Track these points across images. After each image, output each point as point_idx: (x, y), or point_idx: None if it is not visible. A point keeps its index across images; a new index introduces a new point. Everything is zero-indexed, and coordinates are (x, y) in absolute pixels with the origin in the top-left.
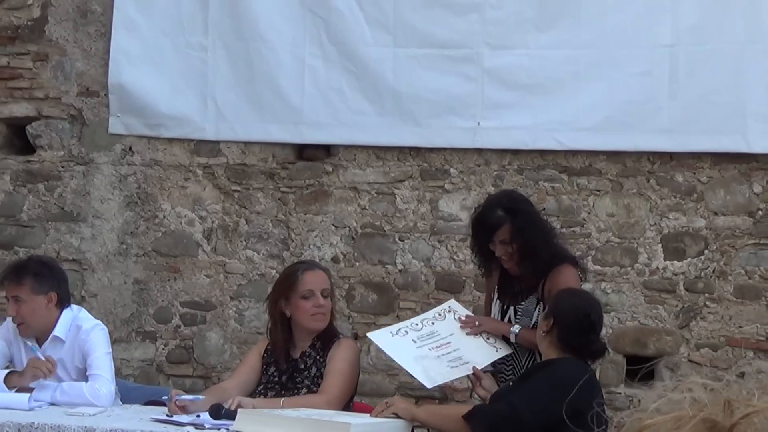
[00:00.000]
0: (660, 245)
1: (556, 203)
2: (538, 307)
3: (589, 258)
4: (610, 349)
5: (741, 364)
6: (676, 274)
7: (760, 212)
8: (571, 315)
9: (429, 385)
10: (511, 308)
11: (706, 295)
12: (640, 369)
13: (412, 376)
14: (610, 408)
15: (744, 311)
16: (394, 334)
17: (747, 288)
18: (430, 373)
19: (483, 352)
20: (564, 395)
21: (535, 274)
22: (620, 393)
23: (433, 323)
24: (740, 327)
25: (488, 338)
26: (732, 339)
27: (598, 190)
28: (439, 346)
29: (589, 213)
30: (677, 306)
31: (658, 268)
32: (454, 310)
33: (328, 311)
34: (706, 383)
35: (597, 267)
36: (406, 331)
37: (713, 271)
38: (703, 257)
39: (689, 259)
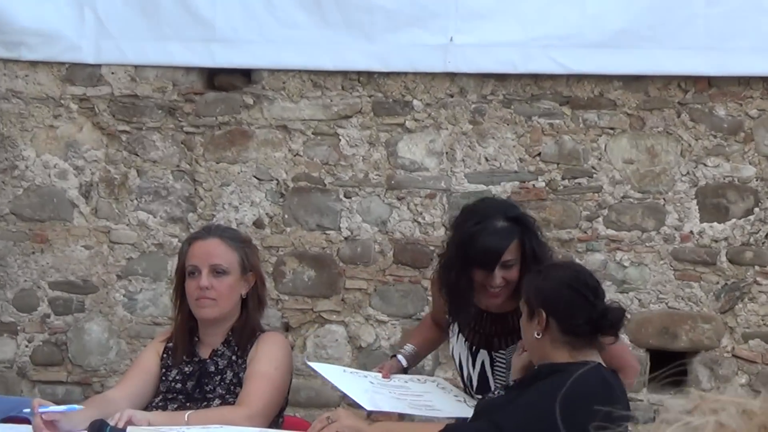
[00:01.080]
0: (695, 202)
1: (556, 146)
2: None
3: (600, 219)
4: (629, 340)
5: None
6: (716, 241)
7: None
8: (562, 290)
9: (369, 407)
10: (484, 352)
11: (757, 268)
12: (669, 368)
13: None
14: None
15: None
16: (345, 371)
17: None
18: (375, 398)
19: (463, 410)
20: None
21: None
22: (642, 400)
23: (406, 381)
24: None
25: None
26: None
27: (612, 129)
28: (404, 394)
29: (600, 159)
30: (718, 283)
31: (692, 232)
32: (442, 386)
33: (222, 295)
34: (738, 402)
35: (611, 231)
36: (366, 376)
37: (766, 236)
38: (752, 218)
39: (734, 221)
